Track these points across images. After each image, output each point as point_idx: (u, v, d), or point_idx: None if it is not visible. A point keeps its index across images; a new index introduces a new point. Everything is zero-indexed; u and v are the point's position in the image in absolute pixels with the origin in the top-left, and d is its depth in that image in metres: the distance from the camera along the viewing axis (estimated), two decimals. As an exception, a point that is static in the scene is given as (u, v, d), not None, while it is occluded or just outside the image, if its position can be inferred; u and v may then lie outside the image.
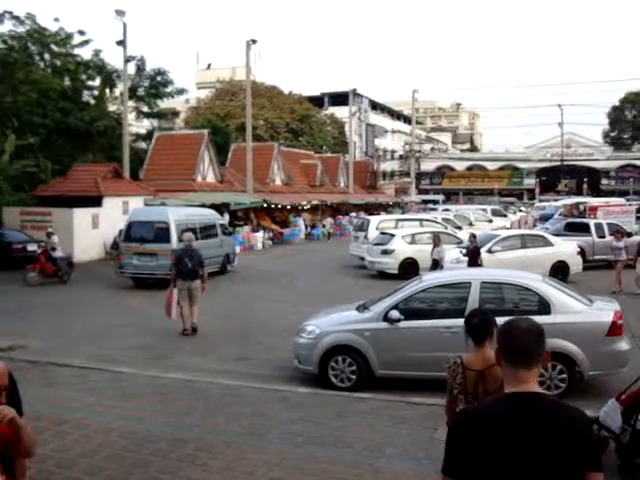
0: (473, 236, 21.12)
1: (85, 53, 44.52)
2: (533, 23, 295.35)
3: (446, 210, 46.20)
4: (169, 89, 48.49)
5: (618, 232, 23.00)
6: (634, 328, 13.36)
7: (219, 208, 35.97)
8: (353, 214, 53.34)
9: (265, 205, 44.18)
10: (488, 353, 5.28)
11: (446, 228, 29.47)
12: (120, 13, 35.09)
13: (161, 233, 23.59)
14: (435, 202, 69.15)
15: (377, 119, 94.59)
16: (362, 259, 27.69)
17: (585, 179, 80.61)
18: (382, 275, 24.85)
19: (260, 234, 40.45)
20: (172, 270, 16.23)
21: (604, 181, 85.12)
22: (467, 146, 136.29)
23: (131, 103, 44.63)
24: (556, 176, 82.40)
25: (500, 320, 9.83)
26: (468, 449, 2.85)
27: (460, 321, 10.35)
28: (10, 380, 3.83)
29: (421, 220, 31.69)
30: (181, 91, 50.16)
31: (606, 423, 7.10)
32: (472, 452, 2.84)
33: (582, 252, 24.41)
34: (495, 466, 2.81)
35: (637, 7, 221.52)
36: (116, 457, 7.50)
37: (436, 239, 22.05)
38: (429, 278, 11.89)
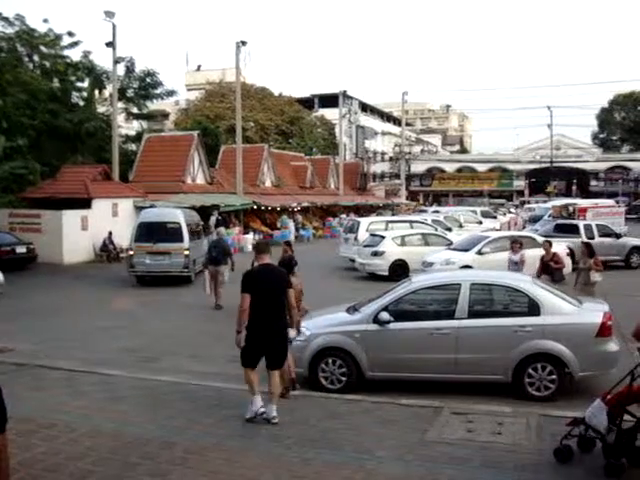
0: (287, 243, 17.24)
1: (74, 54, 44.63)
2: (522, 25, 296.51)
3: (436, 212, 46.27)
4: (159, 91, 48.44)
5: (515, 242, 18.13)
6: (623, 328, 13.38)
7: (208, 210, 35.96)
8: (343, 215, 53.37)
9: (255, 207, 44.15)
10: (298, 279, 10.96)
11: (436, 230, 29.52)
12: (109, 14, 34.97)
13: (173, 233, 24.46)
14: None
15: (367, 121, 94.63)
16: (352, 261, 27.70)
17: (574, 180, 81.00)
18: (372, 277, 24.86)
19: (250, 236, 40.37)
20: (205, 257, 20.38)
21: (593, 182, 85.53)
22: (457, 148, 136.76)
23: (120, 105, 44.51)
24: (545, 178, 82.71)
25: (493, 322, 9.72)
26: (250, 281, 8.75)
27: (451, 322, 10.47)
28: None
29: (411, 222, 31.72)
30: (171, 93, 50.06)
31: (592, 423, 7.12)
32: (251, 283, 8.73)
33: (571, 253, 24.45)
34: (258, 287, 8.70)
35: (626, 9, 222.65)
36: (105, 460, 7.46)
37: (287, 247, 16.78)
38: (419, 280, 11.90)
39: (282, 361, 9.10)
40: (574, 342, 10.16)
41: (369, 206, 64.36)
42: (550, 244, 17.69)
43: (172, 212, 26.35)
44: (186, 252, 24.13)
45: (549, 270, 16.82)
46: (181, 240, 24.32)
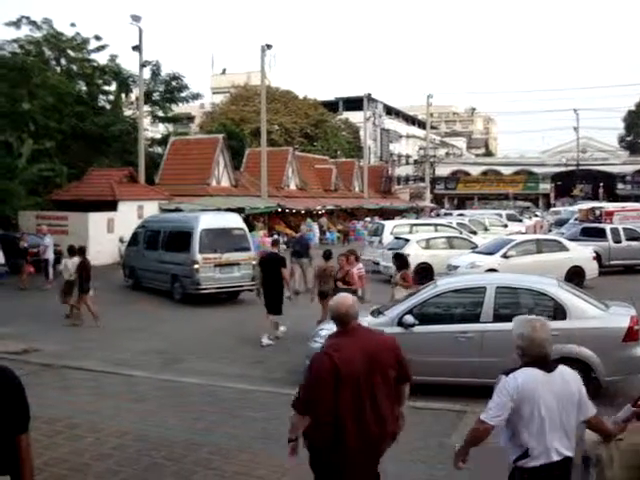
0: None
1: (101, 58, 44.70)
2: (549, 27, 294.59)
3: (461, 215, 46.03)
4: (184, 94, 48.67)
5: (352, 254, 15.18)
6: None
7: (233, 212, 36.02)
8: (367, 219, 53.25)
9: (280, 210, 44.23)
10: (327, 263, 15.20)
11: (461, 233, 29.36)
12: (136, 18, 35.22)
13: (239, 240, 21.76)
14: None
15: (392, 124, 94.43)
16: (376, 264, 27.59)
17: (601, 184, 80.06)
18: (396, 280, 24.72)
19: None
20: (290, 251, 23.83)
21: (620, 186, 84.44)
22: (482, 151, 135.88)
23: (146, 108, 44.79)
24: (571, 181, 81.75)
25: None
26: (260, 261, 16.07)
27: (476, 326, 10.40)
28: (10, 387, 3.67)
29: (436, 225, 31.59)
30: (196, 96, 50.29)
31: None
32: (261, 262, 15.90)
33: (598, 257, 24.24)
34: (263, 264, 15.62)
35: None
36: (130, 461, 7.51)
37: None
38: (444, 283, 11.83)
39: (278, 309, 15.04)
40: (600, 347, 10.04)
41: (393, 210, 63.93)
42: (347, 259, 14.51)
43: (233, 217, 23.36)
44: (254, 262, 20.45)
45: (338, 290, 12.87)
46: (248, 248, 21.59)
